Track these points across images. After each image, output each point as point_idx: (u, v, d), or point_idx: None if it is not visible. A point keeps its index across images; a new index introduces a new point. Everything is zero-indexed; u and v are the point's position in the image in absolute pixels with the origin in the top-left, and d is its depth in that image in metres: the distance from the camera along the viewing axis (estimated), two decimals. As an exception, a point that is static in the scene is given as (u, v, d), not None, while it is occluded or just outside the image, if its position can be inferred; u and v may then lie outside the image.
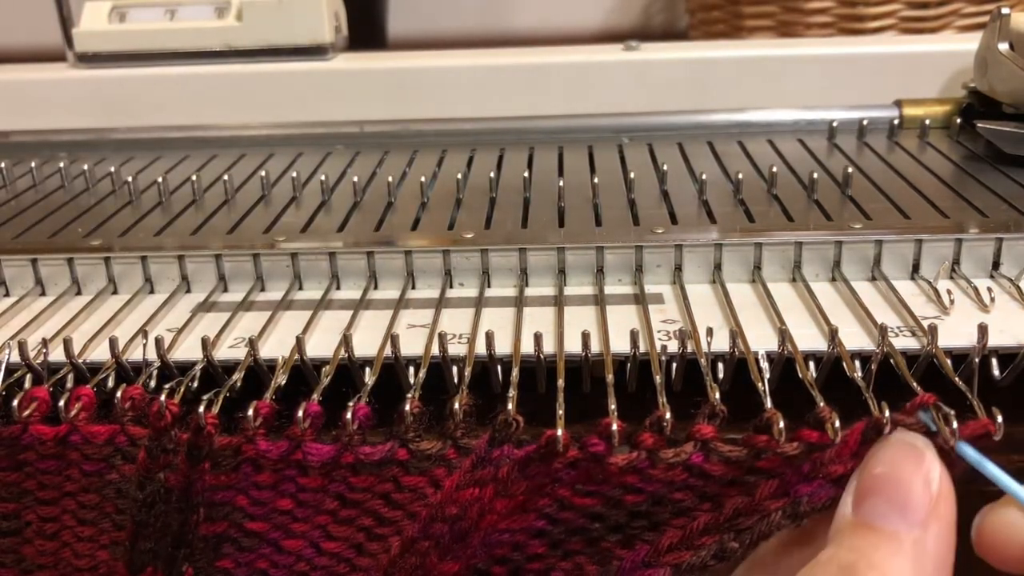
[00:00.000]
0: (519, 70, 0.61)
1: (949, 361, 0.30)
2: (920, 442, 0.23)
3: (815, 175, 0.43)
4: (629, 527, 0.26)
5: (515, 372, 0.30)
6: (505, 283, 0.38)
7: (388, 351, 0.32)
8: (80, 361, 0.33)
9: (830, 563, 0.22)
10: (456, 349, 0.32)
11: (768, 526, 0.24)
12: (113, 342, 0.33)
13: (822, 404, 0.26)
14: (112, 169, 0.50)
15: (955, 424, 0.24)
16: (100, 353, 0.33)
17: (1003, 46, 0.51)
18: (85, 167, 0.50)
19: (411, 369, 0.32)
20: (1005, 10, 0.51)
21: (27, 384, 0.32)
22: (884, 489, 0.22)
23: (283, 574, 0.29)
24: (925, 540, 0.22)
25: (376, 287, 0.39)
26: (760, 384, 0.28)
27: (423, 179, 0.46)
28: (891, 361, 0.30)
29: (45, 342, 0.33)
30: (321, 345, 0.33)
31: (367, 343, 0.33)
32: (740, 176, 0.43)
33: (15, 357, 0.32)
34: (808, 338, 0.32)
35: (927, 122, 0.54)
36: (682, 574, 0.25)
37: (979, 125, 0.51)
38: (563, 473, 0.26)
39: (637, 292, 0.37)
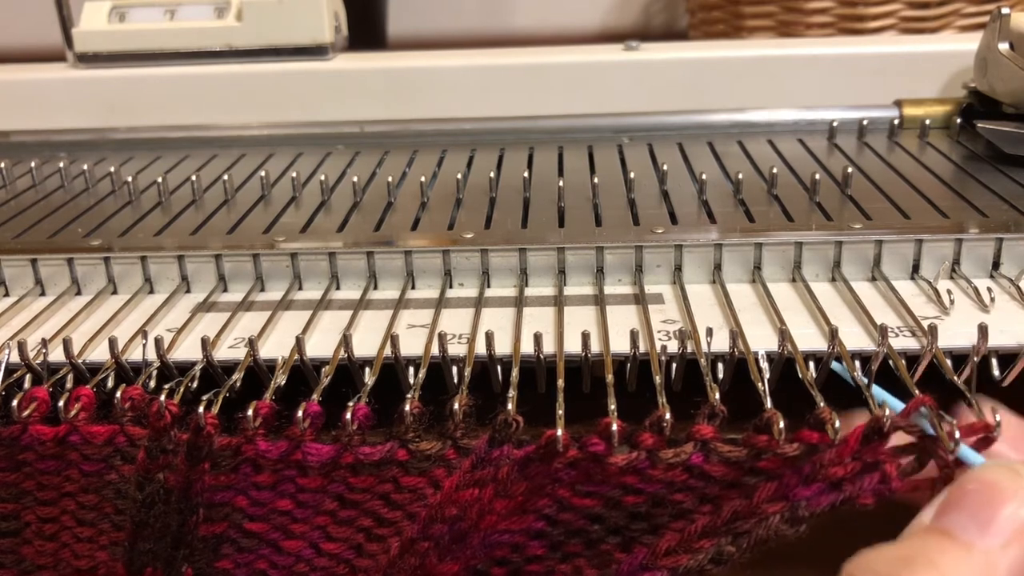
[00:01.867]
0: (519, 70, 0.61)
1: (949, 361, 0.30)
2: (1019, 471, 0.23)
3: (815, 175, 0.43)
4: (628, 529, 0.26)
5: (515, 372, 0.30)
6: (505, 283, 0.38)
7: (388, 351, 0.32)
8: (80, 361, 0.33)
9: (887, 551, 0.21)
10: (456, 349, 0.32)
11: (766, 529, 0.24)
12: (113, 342, 0.33)
13: (822, 405, 0.26)
14: (112, 169, 0.50)
15: (956, 431, 0.23)
16: (100, 353, 0.33)
17: (1003, 46, 0.51)
18: (85, 167, 0.50)
19: (411, 369, 0.32)
20: (1005, 10, 0.51)
21: (27, 384, 0.32)
22: (971, 504, 0.22)
23: (282, 574, 0.29)
24: (998, 560, 0.21)
25: (376, 287, 0.39)
26: (760, 384, 0.28)
27: (423, 179, 0.46)
28: (890, 362, 0.30)
29: (45, 342, 0.33)
30: (321, 345, 0.33)
31: (367, 343, 0.33)
32: (740, 176, 0.43)
33: (15, 357, 0.32)
34: (808, 338, 0.32)
35: (927, 122, 0.54)
36: None
37: (979, 125, 0.51)
38: (563, 473, 0.26)
39: (637, 292, 0.37)
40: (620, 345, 0.32)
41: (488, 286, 0.38)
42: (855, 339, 0.32)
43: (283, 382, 0.31)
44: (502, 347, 0.32)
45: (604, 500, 0.26)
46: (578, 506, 0.26)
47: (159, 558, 0.29)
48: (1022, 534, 0.21)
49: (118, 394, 0.30)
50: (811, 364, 0.31)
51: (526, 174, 0.46)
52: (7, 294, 0.39)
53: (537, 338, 0.32)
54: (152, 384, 0.32)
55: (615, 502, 0.26)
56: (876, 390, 0.27)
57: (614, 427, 0.25)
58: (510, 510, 0.26)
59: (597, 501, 0.26)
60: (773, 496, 0.24)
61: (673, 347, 0.32)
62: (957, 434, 0.24)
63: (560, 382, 0.29)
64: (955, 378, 0.28)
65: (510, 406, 0.27)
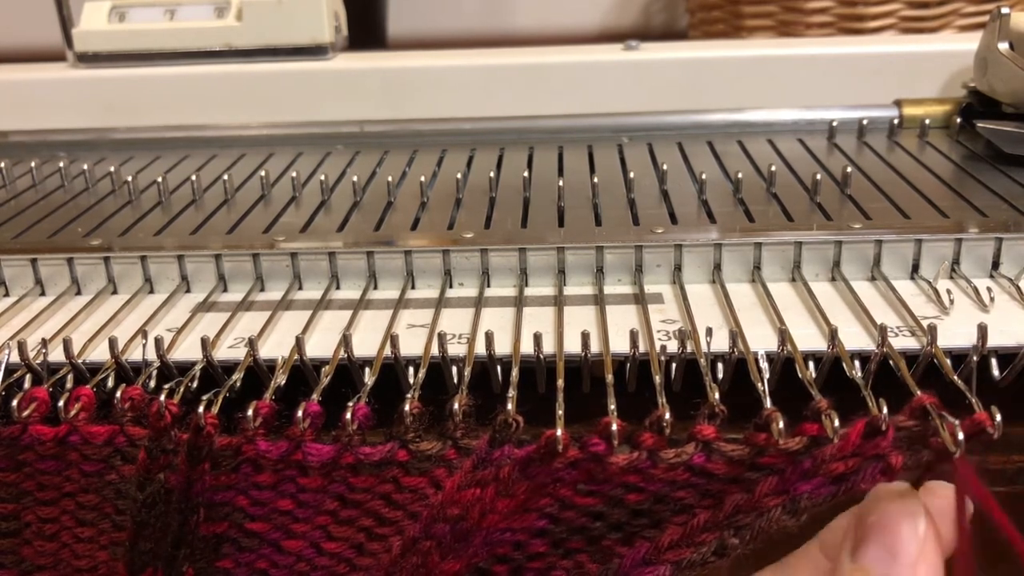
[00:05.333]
0: (519, 70, 0.61)
1: (949, 361, 0.30)
2: (907, 490, 0.25)
3: (815, 175, 0.43)
4: (630, 525, 0.26)
5: (515, 372, 0.30)
6: (505, 283, 0.38)
7: (388, 351, 0.32)
8: (80, 361, 0.33)
9: None
10: (456, 349, 0.32)
11: (768, 522, 0.24)
12: (113, 342, 0.33)
13: (819, 397, 0.26)
14: (112, 169, 0.50)
15: (959, 429, 0.24)
16: (100, 353, 0.33)
17: (1003, 46, 0.51)
18: (85, 167, 0.50)
19: (411, 369, 0.32)
20: (1005, 10, 0.51)
21: (27, 384, 0.32)
22: (877, 536, 0.24)
23: (283, 574, 0.29)
24: None
25: (376, 287, 0.39)
26: (760, 384, 0.28)
27: (423, 179, 0.46)
28: (890, 361, 0.30)
29: (45, 342, 0.33)
30: (321, 345, 0.33)
31: (367, 343, 0.33)
32: (740, 176, 0.43)
33: (15, 357, 0.32)
34: (808, 338, 0.32)
35: (927, 122, 0.54)
36: (682, 570, 0.25)
37: (979, 125, 0.51)
38: (564, 473, 0.26)
39: (637, 292, 0.37)
40: (620, 345, 0.32)
41: (488, 286, 0.38)
42: (855, 339, 0.32)
43: (283, 382, 0.31)
44: (502, 347, 0.32)
45: (606, 498, 0.26)
46: (580, 504, 0.26)
47: (160, 558, 0.29)
48: (924, 550, 0.24)
49: (118, 394, 0.30)
50: (811, 364, 0.31)
51: (526, 174, 0.46)
52: (7, 294, 0.39)
53: (537, 338, 0.32)
54: (152, 384, 0.32)
55: (617, 500, 0.26)
56: None
57: (614, 427, 0.25)
58: (512, 509, 0.26)
59: (599, 499, 0.26)
60: (774, 490, 0.24)
61: (673, 347, 0.32)
62: (960, 434, 0.24)
63: (560, 382, 0.29)
64: (955, 378, 0.28)
65: (510, 406, 0.27)
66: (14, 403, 0.29)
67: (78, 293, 0.39)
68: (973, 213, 0.39)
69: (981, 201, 0.41)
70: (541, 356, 0.32)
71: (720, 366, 0.31)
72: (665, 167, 0.46)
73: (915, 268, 0.37)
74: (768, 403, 0.27)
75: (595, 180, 0.44)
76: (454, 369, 0.32)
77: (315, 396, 0.29)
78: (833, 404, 0.26)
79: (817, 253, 0.37)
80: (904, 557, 0.24)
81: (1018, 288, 0.35)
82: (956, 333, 0.32)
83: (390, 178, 0.46)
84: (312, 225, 0.42)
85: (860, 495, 0.25)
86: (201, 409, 0.28)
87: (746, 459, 0.25)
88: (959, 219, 0.38)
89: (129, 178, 0.48)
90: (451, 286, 0.38)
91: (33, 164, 0.52)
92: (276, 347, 0.33)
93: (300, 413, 0.28)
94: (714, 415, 0.27)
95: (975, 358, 0.30)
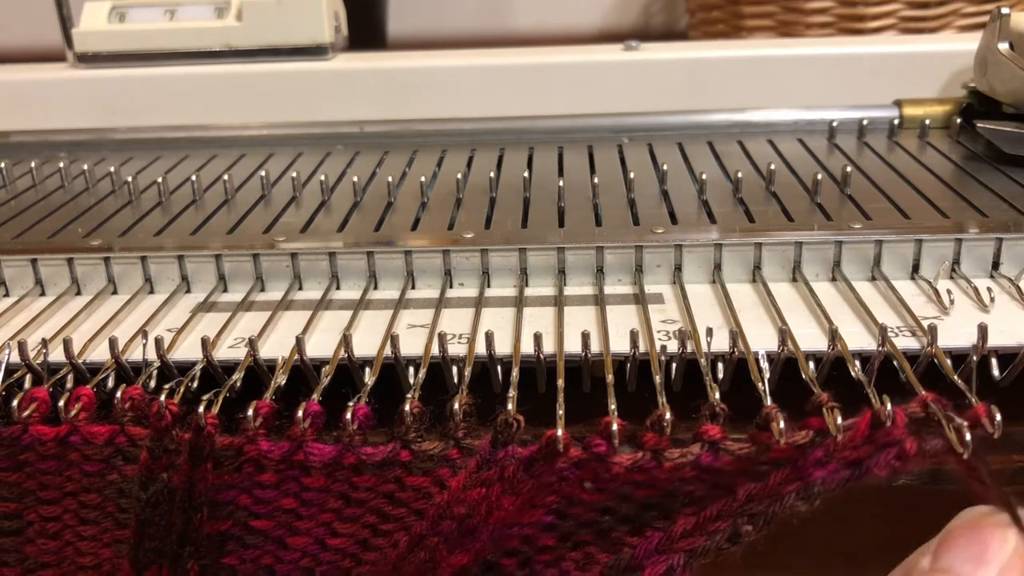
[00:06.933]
0: (519, 70, 0.61)
1: (949, 361, 0.30)
2: (998, 512, 0.24)
3: (815, 175, 0.43)
4: (640, 517, 0.26)
5: (515, 372, 0.30)
6: (505, 283, 0.38)
7: (388, 351, 0.32)
8: (80, 361, 0.33)
9: None
10: (456, 349, 0.32)
11: (782, 507, 0.24)
12: (113, 342, 0.33)
13: (818, 391, 0.26)
14: (112, 169, 0.50)
15: (964, 424, 0.24)
16: (100, 353, 0.33)
17: (1003, 46, 0.51)
18: (85, 167, 0.50)
19: (411, 369, 0.32)
20: (1005, 10, 0.51)
21: (27, 384, 0.32)
22: (962, 543, 0.24)
23: (289, 569, 0.29)
24: None
25: (376, 287, 0.39)
26: (760, 384, 0.28)
27: (423, 179, 0.46)
28: (892, 362, 0.30)
29: (45, 342, 0.33)
30: (321, 345, 0.33)
31: (367, 343, 0.33)
32: (740, 176, 0.43)
33: (15, 357, 0.32)
34: (808, 338, 0.32)
35: (927, 122, 0.54)
36: (696, 558, 0.25)
37: (979, 125, 0.51)
38: (569, 472, 0.26)
39: (637, 292, 0.37)
40: (620, 345, 0.32)
41: (488, 286, 0.38)
42: (855, 339, 0.32)
43: (283, 382, 0.31)
44: (502, 347, 0.32)
45: (613, 495, 0.26)
46: (588, 501, 0.26)
47: (165, 556, 0.29)
48: (1012, 562, 0.23)
49: (118, 394, 0.30)
50: (811, 363, 0.31)
51: (526, 174, 0.46)
52: (7, 294, 0.39)
53: (537, 338, 0.32)
54: (152, 384, 0.32)
55: (625, 496, 0.26)
56: None
57: (614, 427, 0.25)
58: (519, 506, 0.26)
59: (605, 496, 0.26)
60: (788, 478, 0.24)
61: (673, 347, 0.32)
62: (964, 426, 0.24)
63: (560, 382, 0.29)
64: (955, 378, 0.28)
65: (510, 406, 0.27)
66: (14, 403, 0.29)
67: (78, 293, 0.39)
68: (973, 213, 0.39)
69: (981, 201, 0.41)
70: (541, 356, 0.32)
71: (720, 366, 0.31)
72: (665, 167, 0.46)
73: (915, 268, 0.37)
74: (768, 403, 0.27)
75: (595, 180, 0.44)
76: (454, 369, 0.32)
77: (315, 396, 0.29)
78: (833, 397, 0.26)
79: (817, 253, 0.37)
80: (990, 564, 0.23)
81: (1018, 288, 0.35)
82: (956, 333, 0.32)
83: (390, 178, 0.46)
84: (312, 225, 0.42)
85: (875, 480, 0.25)
86: (202, 409, 0.28)
87: (754, 456, 0.25)
88: (959, 219, 0.38)
89: (129, 178, 0.48)
90: (451, 286, 0.38)
91: (33, 164, 0.52)
92: (276, 347, 0.33)
93: (301, 413, 0.28)
94: (715, 415, 0.27)
95: (975, 358, 0.30)
